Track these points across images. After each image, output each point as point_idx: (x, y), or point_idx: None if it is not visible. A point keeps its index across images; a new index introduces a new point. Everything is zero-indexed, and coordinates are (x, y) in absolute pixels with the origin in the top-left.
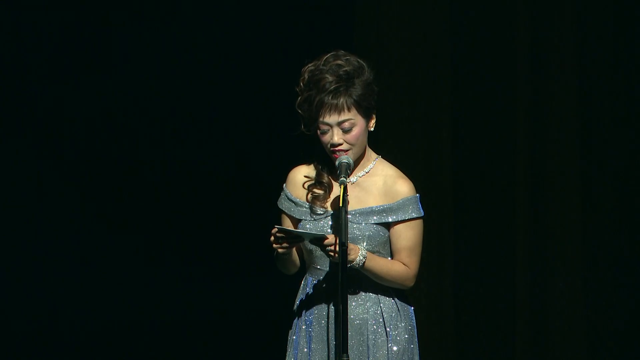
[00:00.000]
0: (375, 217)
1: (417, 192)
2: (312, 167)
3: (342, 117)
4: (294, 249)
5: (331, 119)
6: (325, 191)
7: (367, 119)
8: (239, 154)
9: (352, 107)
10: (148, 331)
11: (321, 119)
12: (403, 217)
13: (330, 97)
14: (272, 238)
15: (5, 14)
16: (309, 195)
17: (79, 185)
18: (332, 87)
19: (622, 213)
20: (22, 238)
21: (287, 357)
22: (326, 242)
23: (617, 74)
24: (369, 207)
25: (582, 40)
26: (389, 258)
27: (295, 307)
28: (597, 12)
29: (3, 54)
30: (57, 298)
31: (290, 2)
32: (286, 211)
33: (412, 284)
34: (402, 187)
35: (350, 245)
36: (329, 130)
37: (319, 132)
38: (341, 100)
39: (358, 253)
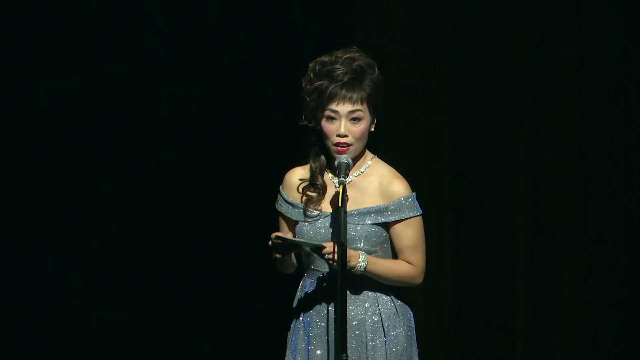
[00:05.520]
0: (371, 218)
1: (412, 191)
2: (307, 168)
3: (354, 107)
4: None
5: (343, 107)
6: (319, 193)
7: (373, 117)
8: (238, 153)
9: (364, 101)
10: (145, 330)
11: (331, 107)
12: (401, 217)
13: (344, 89)
14: (270, 243)
15: (4, 12)
16: (303, 198)
17: (80, 183)
18: (346, 79)
19: (622, 212)
20: (20, 236)
21: (286, 358)
22: (325, 250)
23: (617, 74)
24: (365, 208)
25: (583, 40)
26: (388, 258)
27: (293, 308)
28: (598, 11)
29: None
30: (55, 296)
31: (289, 2)
32: (284, 213)
33: (420, 281)
34: (398, 187)
35: (351, 252)
36: (336, 119)
37: (324, 120)
38: (355, 91)
39: (358, 259)
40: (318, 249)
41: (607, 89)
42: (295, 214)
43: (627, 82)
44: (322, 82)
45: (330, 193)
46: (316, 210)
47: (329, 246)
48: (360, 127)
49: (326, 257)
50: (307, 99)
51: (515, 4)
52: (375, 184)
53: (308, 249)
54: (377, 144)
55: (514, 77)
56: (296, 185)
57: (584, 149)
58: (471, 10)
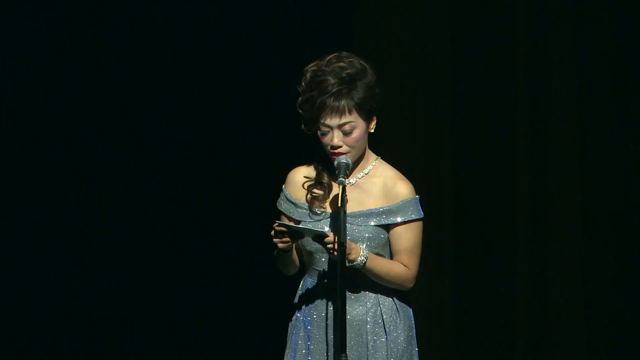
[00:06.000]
0: (375, 219)
1: (417, 194)
2: (311, 167)
3: (343, 120)
4: (294, 250)
5: (332, 121)
6: (324, 192)
7: (368, 121)
8: (239, 153)
9: (353, 110)
10: (144, 330)
11: (322, 121)
12: (403, 219)
13: (332, 100)
14: (273, 232)
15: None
16: (308, 196)
17: (79, 183)
18: (334, 90)
19: (622, 212)
20: (20, 236)
21: (285, 358)
22: (327, 239)
23: (617, 74)
24: (369, 209)
25: (583, 40)
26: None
27: (293, 307)
28: (598, 11)
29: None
30: (54, 296)
31: (289, 4)
32: (285, 213)
33: (411, 285)
34: (402, 189)
35: (352, 245)
36: (329, 131)
37: (319, 132)
38: (342, 103)
39: (359, 253)
40: (320, 237)
41: (607, 89)
42: (297, 214)
43: (627, 82)
44: (312, 93)
45: (334, 193)
46: (320, 209)
47: (332, 235)
48: (353, 136)
49: (328, 246)
50: (300, 110)
51: (515, 4)
52: (380, 186)
53: (310, 237)
54: (377, 144)
55: (514, 77)
56: (300, 184)
57: (584, 149)
58: (471, 10)
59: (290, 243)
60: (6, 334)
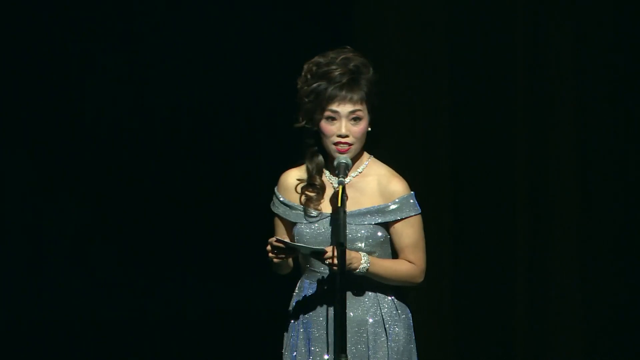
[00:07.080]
0: (371, 218)
1: (411, 190)
2: (303, 169)
3: (354, 107)
4: None
5: (344, 108)
6: (318, 193)
7: (370, 117)
8: (239, 154)
9: (363, 100)
10: (143, 331)
11: (331, 108)
12: (400, 216)
13: (344, 89)
14: (269, 247)
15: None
16: (302, 198)
17: (72, 186)
18: (344, 80)
19: (621, 213)
20: (15, 235)
21: (283, 358)
22: (326, 255)
23: (617, 74)
24: (365, 208)
25: (581, 42)
26: (388, 258)
27: (291, 309)
28: (597, 12)
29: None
30: (54, 296)
31: (289, 3)
32: (281, 215)
33: (421, 279)
34: (397, 186)
35: (352, 254)
36: (336, 120)
37: (324, 121)
38: (354, 91)
39: (360, 261)
40: (319, 254)
41: (607, 89)
42: (292, 216)
43: (627, 82)
44: (319, 83)
45: (328, 194)
46: (315, 210)
47: (330, 250)
48: (361, 127)
49: (327, 262)
50: (305, 100)
51: (515, 4)
52: (374, 184)
53: (308, 253)
54: (377, 144)
55: (514, 77)
56: (293, 186)
57: (584, 149)
58: (471, 11)
59: (284, 259)
60: (6, 333)
